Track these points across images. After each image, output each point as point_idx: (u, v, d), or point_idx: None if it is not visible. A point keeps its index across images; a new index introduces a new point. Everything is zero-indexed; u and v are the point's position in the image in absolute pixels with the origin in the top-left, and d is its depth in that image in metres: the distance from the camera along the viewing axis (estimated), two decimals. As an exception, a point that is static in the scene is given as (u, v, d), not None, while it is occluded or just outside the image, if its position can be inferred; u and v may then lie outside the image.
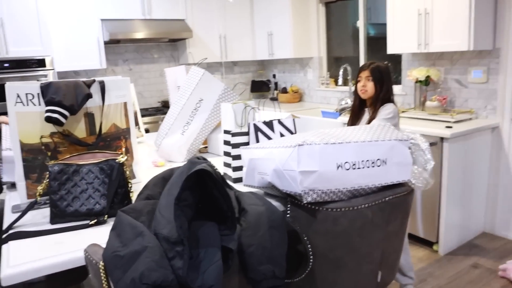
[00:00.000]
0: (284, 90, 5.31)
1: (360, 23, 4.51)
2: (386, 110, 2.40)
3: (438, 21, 3.28)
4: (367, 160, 1.44)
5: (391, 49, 3.70)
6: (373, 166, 1.46)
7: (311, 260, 1.52)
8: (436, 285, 2.74)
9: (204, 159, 1.36)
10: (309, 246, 1.50)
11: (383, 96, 2.44)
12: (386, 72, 2.47)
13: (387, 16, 3.67)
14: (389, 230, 1.60)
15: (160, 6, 4.79)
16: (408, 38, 3.52)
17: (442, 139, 2.94)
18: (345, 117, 3.74)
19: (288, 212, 1.50)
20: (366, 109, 2.54)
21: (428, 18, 3.33)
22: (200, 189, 1.12)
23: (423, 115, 3.45)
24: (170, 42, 5.23)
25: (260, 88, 5.75)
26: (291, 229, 1.53)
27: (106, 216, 1.42)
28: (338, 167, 1.37)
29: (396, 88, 4.15)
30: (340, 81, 4.25)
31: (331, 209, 1.42)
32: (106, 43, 4.61)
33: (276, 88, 5.66)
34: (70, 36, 4.34)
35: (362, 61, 4.56)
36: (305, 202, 1.38)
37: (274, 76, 5.76)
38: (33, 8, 3.98)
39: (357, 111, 2.57)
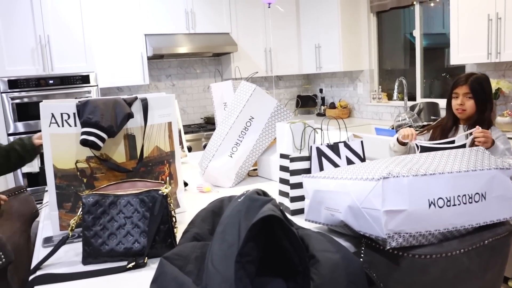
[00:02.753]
0: (332, 106, 5.04)
1: (417, 33, 4.18)
2: (501, 140, 1.95)
3: (512, 27, 2.94)
4: (464, 195, 1.16)
5: (454, 60, 3.37)
6: (470, 202, 1.18)
7: (389, 315, 1.24)
8: (519, 330, 2.37)
9: (265, 193, 1.12)
10: (388, 298, 1.23)
11: (487, 116, 2.03)
12: (488, 85, 2.06)
13: (451, 23, 3.34)
14: (486, 280, 1.30)
15: (204, 20, 4.66)
16: (476, 46, 3.19)
17: (522, 160, 2.59)
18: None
19: (362, 255, 1.24)
20: (461, 126, 2.12)
21: (501, 23, 2.99)
22: (266, 238, 0.88)
23: (494, 133, 3.09)
24: (214, 56, 5.09)
25: (306, 103, 5.50)
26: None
27: (146, 258, 1.21)
28: (430, 205, 1.10)
29: (458, 102, 3.80)
30: (395, 95, 3.94)
31: (418, 255, 1.14)
32: (149, 58, 4.51)
33: (323, 104, 5.39)
34: (114, 52, 4.27)
35: (418, 74, 4.23)
36: (388, 247, 1.11)
37: (321, 90, 5.49)
38: (78, 24, 3.92)
39: (447, 131, 2.13)
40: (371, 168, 1.15)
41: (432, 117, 3.57)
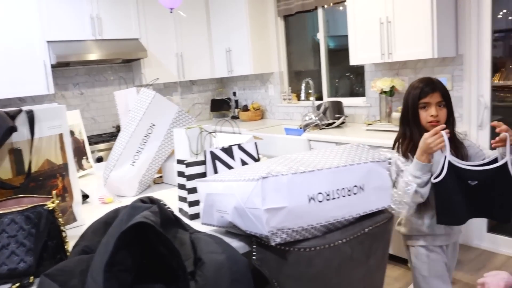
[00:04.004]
0: (245, 108, 5.13)
1: (320, 36, 4.40)
2: (479, 153, 1.79)
3: (400, 29, 3.18)
4: (343, 188, 1.25)
5: (353, 61, 3.58)
6: (349, 195, 1.27)
7: (285, 308, 1.30)
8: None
9: (152, 200, 1.13)
10: (281, 292, 1.28)
11: (454, 124, 1.79)
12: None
13: (348, 27, 3.55)
14: (370, 265, 1.41)
15: (112, 26, 4.52)
16: (370, 48, 3.41)
17: (413, 152, 2.81)
18: (310, 134, 3.58)
19: (254, 254, 1.29)
20: None
21: (390, 27, 3.23)
22: (142, 245, 0.89)
23: (390, 127, 3.33)
24: (124, 63, 4.96)
25: (220, 107, 5.55)
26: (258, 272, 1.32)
27: (32, 277, 1.16)
28: (310, 200, 1.17)
29: (359, 100, 4.04)
30: (302, 95, 4.10)
31: (303, 248, 1.21)
32: (53, 66, 4.29)
33: (236, 106, 5.47)
34: (13, 61, 4.00)
35: (324, 74, 4.44)
36: (273, 244, 1.16)
37: (234, 93, 5.57)
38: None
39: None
40: (255, 169, 1.20)
41: (337, 115, 3.76)
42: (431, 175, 1.63)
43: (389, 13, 3.23)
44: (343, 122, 3.82)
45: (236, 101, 5.51)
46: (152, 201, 1.12)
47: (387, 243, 1.48)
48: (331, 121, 3.74)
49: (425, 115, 1.72)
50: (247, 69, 4.78)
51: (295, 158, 1.30)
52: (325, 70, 4.43)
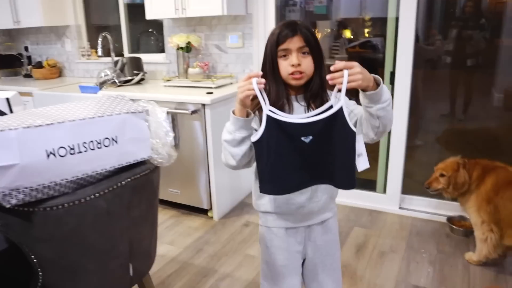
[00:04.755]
0: (39, 65, 4.62)
1: (116, -12, 4.15)
2: (350, 114, 1.38)
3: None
4: (91, 141, 1.20)
5: (149, 15, 3.47)
6: (99, 147, 1.23)
7: (40, 273, 1.23)
8: (212, 252, 2.75)
9: None
10: (32, 257, 1.20)
11: (325, 77, 1.29)
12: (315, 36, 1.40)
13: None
14: (134, 217, 1.41)
15: None
16: (166, 2, 3.35)
17: (204, 105, 2.91)
18: (107, 91, 3.41)
19: (-3, 219, 1.17)
20: (293, 99, 1.41)
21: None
22: None
23: (187, 83, 3.37)
24: None
25: (11, 64, 4.89)
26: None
27: None
28: (49, 155, 1.10)
29: (160, 57, 3.99)
30: (99, 51, 3.86)
31: (50, 207, 1.14)
32: None
33: (29, 63, 4.89)
34: None
35: (124, 29, 4.24)
36: (8, 206, 1.06)
37: (26, 48, 4.95)
38: None
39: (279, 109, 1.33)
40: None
41: (135, 72, 3.66)
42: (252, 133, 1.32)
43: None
44: (142, 79, 3.74)
45: (29, 57, 4.92)
46: None
47: (153, 194, 1.50)
48: (129, 78, 3.62)
49: (285, 65, 1.34)
50: (37, 21, 4.25)
51: (39, 112, 1.20)
52: (124, 25, 4.23)
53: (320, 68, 1.37)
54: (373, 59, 3.42)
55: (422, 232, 2.91)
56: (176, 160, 2.61)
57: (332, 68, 1.18)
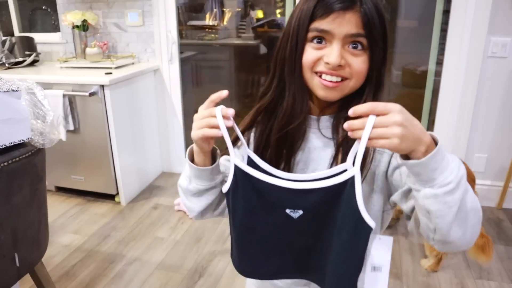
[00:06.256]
0: None
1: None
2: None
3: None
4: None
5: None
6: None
7: None
8: (119, 237, 2.67)
9: None
10: None
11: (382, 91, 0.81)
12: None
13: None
14: (15, 203, 1.32)
15: None
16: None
17: (102, 86, 2.77)
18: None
19: None
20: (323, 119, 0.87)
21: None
22: None
23: (85, 64, 3.18)
24: None
25: None
26: None
27: None
28: None
29: (56, 36, 3.74)
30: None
31: None
32: None
33: None
34: None
35: (12, 6, 3.89)
36: None
37: None
38: None
39: (296, 133, 0.85)
40: None
41: (27, 52, 3.39)
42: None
43: None
44: (36, 60, 3.48)
45: None
46: None
47: (37, 178, 1.41)
48: (20, 59, 3.35)
49: (313, 56, 0.78)
50: None
51: None
52: (12, 1, 3.88)
53: (379, 76, 0.79)
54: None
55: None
56: (78, 145, 2.49)
57: (350, 113, 0.64)
